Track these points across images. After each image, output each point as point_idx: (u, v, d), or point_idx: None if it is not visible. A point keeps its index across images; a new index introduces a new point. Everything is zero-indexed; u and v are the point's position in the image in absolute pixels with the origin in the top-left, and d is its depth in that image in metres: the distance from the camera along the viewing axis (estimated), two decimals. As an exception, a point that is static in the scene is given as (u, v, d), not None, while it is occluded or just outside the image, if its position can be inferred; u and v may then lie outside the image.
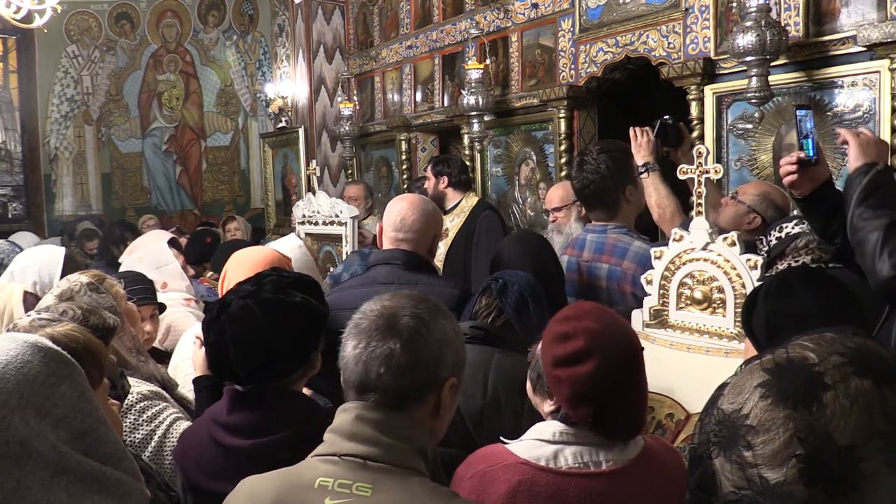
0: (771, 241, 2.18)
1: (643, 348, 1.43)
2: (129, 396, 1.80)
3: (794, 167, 1.84)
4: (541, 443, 1.34)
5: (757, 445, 0.70)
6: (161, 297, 2.80)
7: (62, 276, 2.60)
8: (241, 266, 2.25)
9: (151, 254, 3.05)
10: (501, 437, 1.41)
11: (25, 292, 2.55)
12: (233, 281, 2.21)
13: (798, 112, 1.92)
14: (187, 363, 2.29)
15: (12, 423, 0.82)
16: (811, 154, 1.83)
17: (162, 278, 2.92)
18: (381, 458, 1.10)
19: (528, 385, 1.50)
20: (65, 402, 0.88)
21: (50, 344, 0.92)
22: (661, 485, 1.33)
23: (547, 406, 1.42)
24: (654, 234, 2.51)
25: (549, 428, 1.37)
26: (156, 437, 1.77)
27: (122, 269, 2.96)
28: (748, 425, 0.71)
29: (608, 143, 2.64)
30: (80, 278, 2.02)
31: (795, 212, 2.21)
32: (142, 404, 1.82)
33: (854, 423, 0.67)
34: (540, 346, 1.46)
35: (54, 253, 2.73)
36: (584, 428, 1.34)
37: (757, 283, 1.80)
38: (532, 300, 1.88)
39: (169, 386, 2.05)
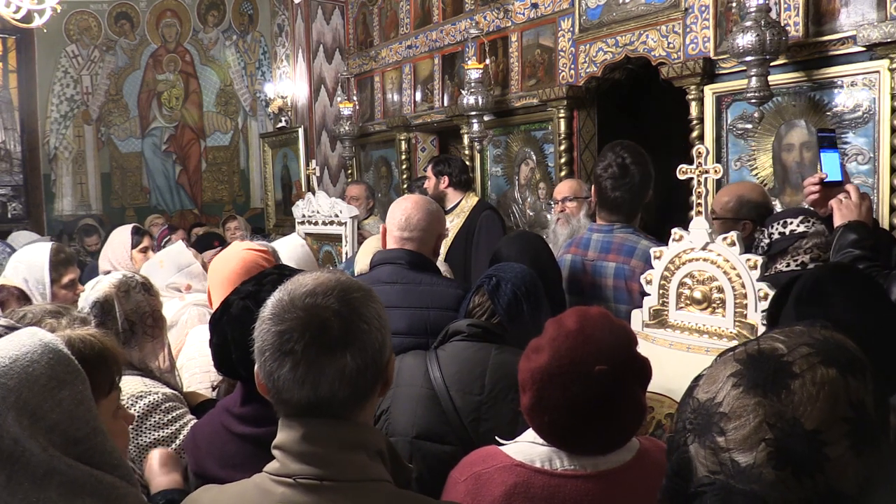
0: (773, 234, 2.14)
1: (630, 375, 1.35)
2: (155, 395, 1.82)
3: (816, 187, 1.94)
4: (536, 444, 1.34)
5: (729, 431, 0.74)
6: (186, 299, 2.79)
7: (52, 267, 2.67)
8: (220, 282, 2.22)
9: (172, 256, 3.00)
10: (497, 438, 1.40)
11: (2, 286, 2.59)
12: (217, 297, 2.20)
13: (819, 134, 2.02)
14: (193, 362, 2.30)
15: (6, 420, 0.82)
16: (840, 176, 1.94)
17: (186, 280, 2.88)
18: (336, 477, 1.04)
19: None
20: (62, 408, 0.88)
21: (61, 347, 0.92)
22: (657, 486, 1.33)
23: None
24: (655, 234, 2.50)
25: None
26: (180, 437, 1.79)
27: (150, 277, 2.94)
28: (721, 412, 0.75)
29: (637, 150, 2.57)
30: (135, 276, 2.07)
31: (805, 204, 2.17)
32: (167, 404, 1.84)
33: (820, 409, 0.71)
34: None
35: (40, 249, 2.79)
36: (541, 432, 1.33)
37: (778, 279, 1.77)
38: (526, 301, 1.84)
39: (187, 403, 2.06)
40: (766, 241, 2.16)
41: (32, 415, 0.85)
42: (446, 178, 4.01)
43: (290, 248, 2.94)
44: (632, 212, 2.50)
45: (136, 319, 1.95)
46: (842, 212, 1.91)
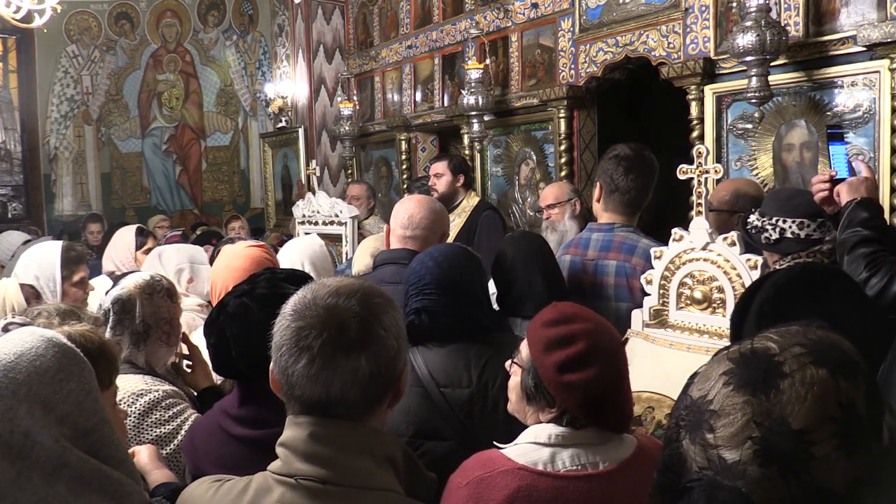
0: (785, 230, 2.05)
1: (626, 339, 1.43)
2: (155, 393, 1.83)
3: (826, 185, 1.91)
4: (536, 446, 1.33)
5: (718, 428, 0.75)
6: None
7: (63, 265, 2.67)
8: (226, 279, 2.22)
9: (191, 250, 3.02)
10: (495, 443, 1.40)
11: (21, 285, 2.60)
12: (227, 286, 2.20)
13: (829, 130, 2.00)
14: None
15: (18, 413, 0.83)
16: (847, 174, 1.92)
17: (190, 273, 2.89)
18: (340, 481, 1.02)
19: (521, 394, 1.43)
20: (71, 399, 0.89)
21: (65, 341, 0.93)
22: None
23: (545, 415, 1.38)
24: (655, 235, 2.50)
25: (544, 431, 1.35)
26: (181, 434, 1.78)
27: (160, 256, 2.93)
28: (711, 410, 0.77)
29: (642, 151, 2.54)
30: (162, 279, 2.05)
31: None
32: (168, 401, 1.84)
33: (808, 409, 0.72)
34: (527, 353, 1.41)
35: (51, 247, 2.80)
36: (593, 427, 1.34)
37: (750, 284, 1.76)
38: (453, 316, 1.78)
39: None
40: (775, 235, 2.06)
41: (44, 406, 0.86)
42: (462, 177, 4.01)
43: (307, 247, 2.96)
44: (637, 202, 2.47)
45: (152, 323, 1.94)
46: (851, 185, 1.86)
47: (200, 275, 2.89)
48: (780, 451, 0.71)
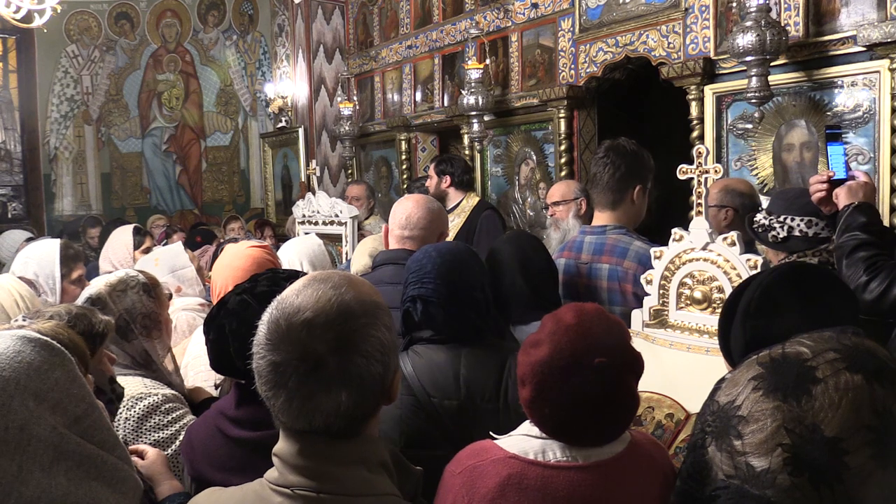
0: (793, 228, 2.04)
1: (626, 368, 1.35)
2: (154, 397, 1.82)
3: (824, 185, 1.91)
4: (529, 437, 1.35)
5: (746, 435, 0.72)
6: (175, 303, 2.78)
7: (62, 262, 2.69)
8: (226, 279, 2.23)
9: (167, 257, 2.99)
10: (491, 433, 1.41)
11: (20, 278, 2.59)
12: (226, 285, 2.20)
13: (828, 131, 2.00)
14: (198, 361, 2.30)
15: (12, 407, 0.83)
16: (844, 174, 1.92)
17: (177, 282, 2.87)
18: (334, 491, 1.02)
19: None
20: (59, 388, 0.90)
21: (38, 335, 0.94)
22: (648, 477, 1.34)
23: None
24: (654, 235, 2.49)
25: None
26: (179, 439, 1.77)
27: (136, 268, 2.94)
28: (739, 416, 0.73)
29: (622, 142, 2.54)
30: (138, 275, 2.02)
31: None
32: (167, 405, 1.82)
33: (842, 416, 0.69)
34: None
35: (49, 245, 2.82)
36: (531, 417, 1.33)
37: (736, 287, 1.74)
38: (450, 308, 1.78)
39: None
40: (783, 233, 2.06)
41: (35, 396, 0.86)
42: (448, 178, 4.02)
43: (305, 247, 2.95)
44: (615, 188, 2.43)
45: (129, 319, 1.92)
46: (850, 189, 1.87)
47: (185, 278, 2.88)
48: (811, 460, 0.68)
